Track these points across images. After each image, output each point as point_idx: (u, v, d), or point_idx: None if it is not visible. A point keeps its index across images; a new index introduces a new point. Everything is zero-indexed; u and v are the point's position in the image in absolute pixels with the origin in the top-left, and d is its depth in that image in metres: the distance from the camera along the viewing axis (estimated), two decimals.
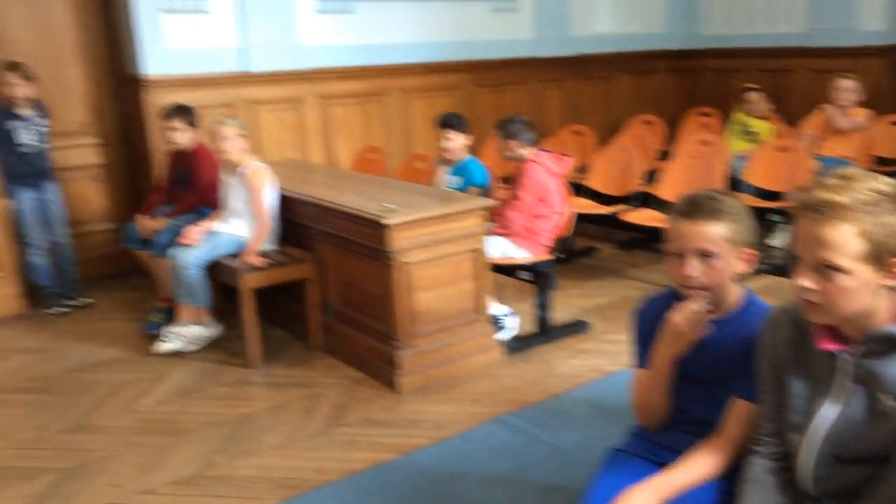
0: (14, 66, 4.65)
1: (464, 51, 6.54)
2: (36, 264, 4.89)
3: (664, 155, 6.25)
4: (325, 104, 5.97)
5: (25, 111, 4.72)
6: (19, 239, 4.87)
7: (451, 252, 3.77)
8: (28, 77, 4.67)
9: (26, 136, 4.72)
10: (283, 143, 5.77)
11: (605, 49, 7.34)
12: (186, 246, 4.19)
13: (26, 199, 4.78)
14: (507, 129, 4.29)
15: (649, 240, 5.63)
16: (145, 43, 5.12)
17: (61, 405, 3.69)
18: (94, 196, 5.51)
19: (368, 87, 6.14)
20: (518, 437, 3.20)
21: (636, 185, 5.48)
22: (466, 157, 4.48)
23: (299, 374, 3.96)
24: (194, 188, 4.59)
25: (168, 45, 5.22)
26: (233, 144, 4.15)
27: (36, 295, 5.00)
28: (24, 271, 4.94)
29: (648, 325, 2.00)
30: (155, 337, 4.32)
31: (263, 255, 4.19)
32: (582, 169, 5.83)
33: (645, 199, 5.40)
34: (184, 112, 4.55)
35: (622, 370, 3.64)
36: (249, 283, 4.04)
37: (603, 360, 3.93)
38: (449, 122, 4.47)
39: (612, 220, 5.35)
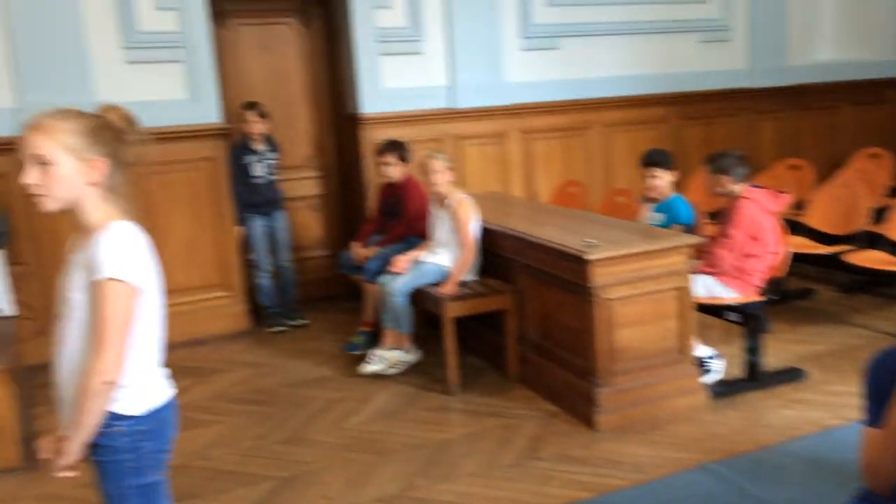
0: (252, 106, 5.19)
1: (670, 83, 6.40)
2: (261, 286, 5.37)
3: (894, 192, 5.72)
4: (528, 138, 6.06)
5: (259, 146, 5.23)
6: (248, 262, 5.37)
7: (654, 289, 3.68)
8: (263, 115, 5.19)
9: (259, 169, 5.22)
10: (486, 177, 5.93)
11: (826, 78, 6.88)
12: (394, 274, 4.40)
13: (257, 225, 5.27)
14: (717, 163, 4.12)
15: (876, 283, 5.15)
16: (364, 84, 5.49)
17: (279, 417, 3.99)
18: (312, 224, 5.96)
19: (571, 122, 6.17)
20: (724, 488, 3.03)
21: (861, 223, 5.05)
22: (672, 194, 4.35)
23: (496, 404, 4.01)
24: (403, 219, 4.83)
25: (384, 86, 5.57)
26: (441, 178, 4.33)
27: (259, 314, 5.47)
28: (250, 292, 5.42)
29: (885, 380, 1.82)
30: (357, 357, 4.58)
31: (463, 284, 4.32)
32: (799, 205, 5.46)
33: (871, 240, 4.96)
34: (396, 147, 4.82)
35: (846, 425, 3.36)
36: (451, 311, 4.16)
37: (822, 413, 3.63)
38: (654, 159, 4.36)
39: (832, 261, 4.95)
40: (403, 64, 5.62)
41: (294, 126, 5.79)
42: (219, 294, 5.30)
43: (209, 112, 5.09)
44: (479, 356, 4.61)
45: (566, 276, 3.76)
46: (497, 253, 4.38)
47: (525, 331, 4.23)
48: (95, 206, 1.81)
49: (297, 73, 5.78)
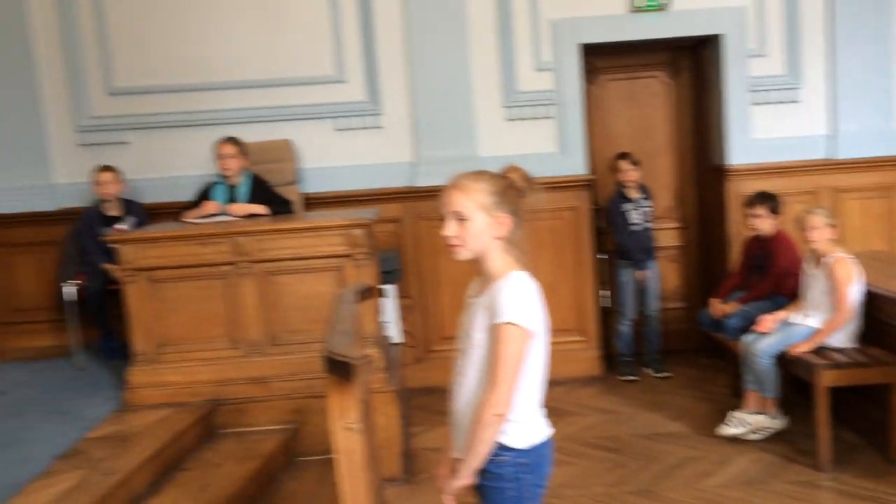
0: (625, 155, 5.40)
1: None
2: (622, 333, 5.46)
3: None
4: None
5: (634, 194, 5.38)
6: (613, 308, 5.47)
7: None
8: (635, 163, 5.36)
9: (635, 216, 5.36)
10: (868, 234, 5.37)
11: None
12: (759, 333, 4.18)
13: (629, 273, 5.39)
14: None
15: None
16: (733, 135, 5.35)
17: (631, 467, 3.99)
18: (670, 275, 5.90)
19: None
20: None
21: None
22: None
23: (876, 488, 3.59)
24: (771, 275, 4.57)
25: (754, 136, 5.37)
26: (820, 234, 4.04)
27: (611, 361, 5.53)
28: (603, 338, 5.52)
29: None
30: (714, 416, 4.41)
31: (840, 352, 3.96)
32: None
33: None
34: (768, 199, 4.60)
35: None
36: (825, 380, 3.83)
37: None
38: None
39: None
40: (777, 113, 5.36)
41: (656, 177, 5.81)
42: (575, 338, 5.47)
43: (576, 164, 5.35)
44: (855, 431, 4.16)
45: None
46: (882, 319, 3.94)
47: None
48: (498, 257, 2.03)
49: (661, 125, 5.82)
